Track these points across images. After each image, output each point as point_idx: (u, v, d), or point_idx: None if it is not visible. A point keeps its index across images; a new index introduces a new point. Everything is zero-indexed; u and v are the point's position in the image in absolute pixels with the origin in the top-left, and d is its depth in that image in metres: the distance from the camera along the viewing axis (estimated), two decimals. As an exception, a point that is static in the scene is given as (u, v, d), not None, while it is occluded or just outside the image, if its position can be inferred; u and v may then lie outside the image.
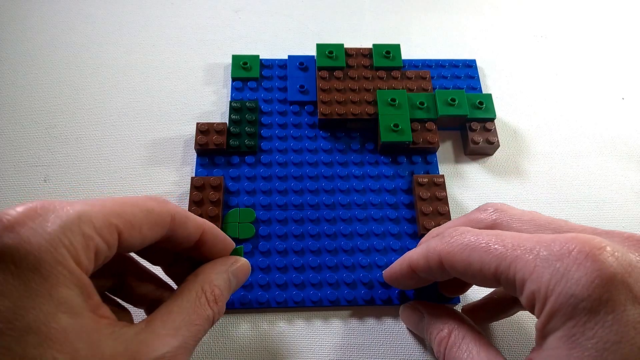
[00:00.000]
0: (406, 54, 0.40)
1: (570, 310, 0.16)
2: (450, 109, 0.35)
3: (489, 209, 0.24)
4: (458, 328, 0.23)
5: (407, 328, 0.29)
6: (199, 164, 0.34)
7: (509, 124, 0.38)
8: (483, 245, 0.20)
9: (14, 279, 0.15)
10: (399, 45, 0.38)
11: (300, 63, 0.38)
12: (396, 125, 0.34)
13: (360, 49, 0.38)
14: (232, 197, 0.33)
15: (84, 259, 0.17)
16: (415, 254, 0.24)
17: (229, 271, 0.23)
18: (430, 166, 0.35)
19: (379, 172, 0.34)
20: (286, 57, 0.39)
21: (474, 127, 0.35)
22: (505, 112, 0.38)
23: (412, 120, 0.35)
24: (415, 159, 0.35)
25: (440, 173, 0.34)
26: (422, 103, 0.35)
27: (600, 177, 0.36)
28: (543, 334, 0.18)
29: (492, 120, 0.36)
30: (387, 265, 0.31)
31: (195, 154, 0.34)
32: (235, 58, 0.38)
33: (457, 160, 0.36)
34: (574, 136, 0.38)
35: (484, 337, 0.23)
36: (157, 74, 0.39)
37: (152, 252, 0.24)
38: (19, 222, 0.16)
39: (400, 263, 0.25)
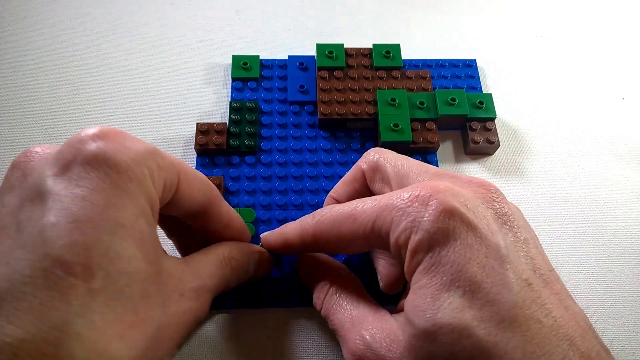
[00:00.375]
0: (406, 54, 0.40)
1: (427, 244, 0.19)
2: (451, 109, 0.35)
3: (372, 152, 0.26)
4: (341, 277, 0.25)
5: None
6: (199, 164, 0.34)
7: (509, 123, 0.38)
8: (348, 215, 0.22)
9: (106, 179, 0.17)
10: (399, 45, 0.38)
11: (300, 63, 0.38)
12: (396, 125, 0.34)
13: (360, 49, 0.38)
14: (232, 197, 0.33)
15: (157, 185, 0.19)
16: (291, 233, 0.25)
17: (252, 256, 0.26)
18: (431, 166, 0.35)
19: (379, 172, 0.34)
20: (286, 57, 0.39)
21: (474, 127, 0.35)
22: (506, 112, 0.38)
23: (412, 120, 0.35)
24: (416, 158, 0.35)
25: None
26: (422, 103, 0.35)
27: (600, 177, 0.36)
28: (409, 274, 0.20)
29: (492, 119, 0.36)
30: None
31: (195, 154, 0.34)
32: (235, 58, 0.38)
33: (457, 160, 0.36)
34: (574, 136, 0.38)
35: (362, 288, 0.25)
36: (157, 74, 0.39)
37: (178, 223, 0.25)
38: (108, 134, 0.18)
39: (275, 234, 0.27)
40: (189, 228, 0.25)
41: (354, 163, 0.34)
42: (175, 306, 0.19)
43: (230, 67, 0.38)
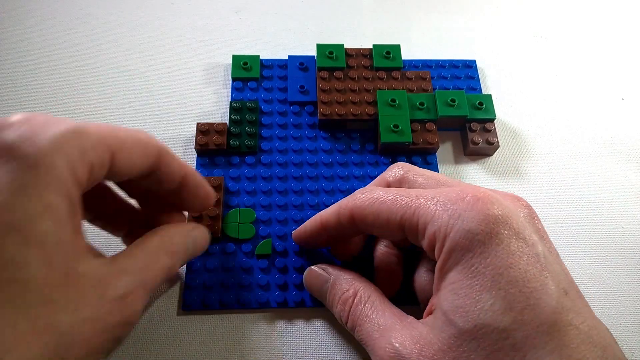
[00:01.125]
0: (406, 55, 0.40)
1: (468, 243, 0.19)
2: (450, 110, 0.35)
3: (398, 166, 0.26)
4: (364, 289, 0.24)
5: (310, 293, 0.29)
6: (199, 164, 0.34)
7: (508, 124, 0.38)
8: (390, 198, 0.22)
9: (8, 174, 0.15)
10: (399, 45, 0.38)
11: (300, 63, 0.38)
12: (396, 126, 0.34)
13: (360, 49, 0.38)
14: (232, 198, 0.33)
15: (80, 172, 0.17)
16: (327, 213, 0.26)
17: (188, 234, 0.25)
18: (430, 167, 0.35)
19: (379, 172, 0.34)
20: (286, 57, 0.39)
21: (473, 128, 0.36)
22: (505, 113, 0.38)
23: (412, 121, 0.35)
24: (415, 159, 0.35)
25: (440, 174, 0.34)
26: (422, 103, 0.35)
27: (600, 178, 0.36)
28: (443, 272, 0.20)
29: (492, 120, 0.36)
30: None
31: (196, 154, 0.34)
32: (235, 58, 0.38)
33: (457, 160, 0.36)
34: (574, 137, 0.38)
35: (384, 296, 0.24)
36: (157, 74, 0.39)
37: (132, 186, 0.24)
38: (19, 122, 0.16)
39: (311, 221, 0.27)
40: (150, 193, 0.24)
41: (354, 164, 0.34)
42: (91, 310, 0.17)
43: (231, 67, 0.38)
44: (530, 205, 0.23)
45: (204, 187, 0.25)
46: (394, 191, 0.23)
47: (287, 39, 0.41)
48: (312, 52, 0.39)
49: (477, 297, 0.18)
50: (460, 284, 0.19)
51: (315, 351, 0.29)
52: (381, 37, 0.42)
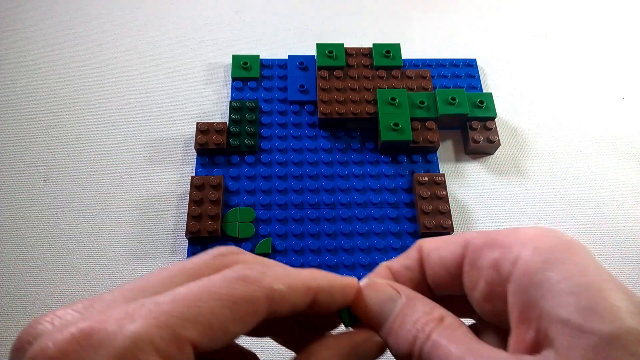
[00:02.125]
0: (406, 54, 0.40)
1: (564, 243, 0.17)
2: (451, 108, 0.35)
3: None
4: (453, 316, 0.19)
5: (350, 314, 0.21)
6: (199, 164, 0.34)
7: (509, 123, 0.38)
8: (457, 236, 0.19)
9: None
10: (399, 44, 0.38)
11: (300, 63, 0.38)
12: (396, 125, 0.34)
13: (360, 48, 0.38)
14: (232, 197, 0.33)
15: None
16: (395, 260, 0.21)
17: (357, 346, 0.19)
18: (431, 165, 0.35)
19: (379, 171, 0.34)
20: (286, 57, 0.39)
21: (474, 126, 0.35)
22: (506, 111, 0.38)
23: (413, 119, 0.35)
24: (416, 157, 0.35)
25: (440, 172, 0.34)
26: (422, 102, 0.35)
27: (601, 177, 0.36)
28: (533, 273, 0.16)
29: (492, 119, 0.36)
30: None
31: (195, 154, 0.34)
32: (235, 58, 0.38)
33: (458, 159, 0.36)
34: (575, 135, 0.38)
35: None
36: (157, 74, 0.39)
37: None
38: (65, 354, 0.13)
39: (372, 274, 0.21)
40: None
41: (354, 162, 0.34)
42: None
43: (230, 66, 0.38)
44: None
45: (341, 290, 0.19)
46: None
47: (287, 39, 0.41)
48: (312, 51, 0.39)
49: (603, 295, 0.15)
50: (573, 281, 0.16)
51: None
52: (381, 36, 0.42)
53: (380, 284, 0.20)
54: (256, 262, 0.17)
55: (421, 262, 0.20)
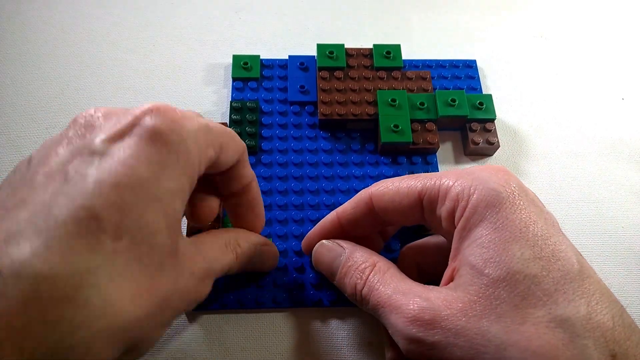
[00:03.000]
0: (406, 54, 0.40)
1: (493, 200, 0.20)
2: (451, 110, 0.35)
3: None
4: (383, 261, 0.24)
5: (315, 269, 0.28)
6: (200, 164, 0.34)
7: (509, 124, 0.38)
8: (411, 176, 0.24)
9: (155, 155, 0.18)
10: (399, 45, 0.38)
11: (300, 63, 0.38)
12: (396, 126, 0.34)
13: (360, 49, 0.38)
14: (233, 198, 0.33)
15: (202, 163, 0.20)
16: (343, 206, 0.27)
17: (256, 245, 0.26)
18: (431, 167, 0.35)
19: (379, 172, 0.34)
20: (287, 57, 0.39)
21: (474, 128, 0.36)
22: (506, 113, 0.38)
23: (412, 121, 0.35)
24: (416, 159, 0.35)
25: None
26: (422, 103, 0.35)
27: (600, 178, 0.36)
28: (466, 231, 0.21)
29: (492, 120, 0.36)
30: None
31: (196, 154, 0.34)
32: (235, 58, 0.38)
33: (457, 160, 0.36)
34: (574, 136, 0.38)
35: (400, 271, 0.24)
36: (157, 74, 0.39)
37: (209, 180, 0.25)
38: (165, 111, 0.19)
39: (324, 220, 0.27)
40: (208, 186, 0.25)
41: (354, 164, 0.34)
42: (184, 282, 0.20)
43: (231, 67, 0.38)
44: None
45: (260, 204, 0.26)
46: (413, 174, 0.24)
47: (287, 39, 0.41)
48: (313, 52, 0.39)
49: (506, 248, 0.19)
50: (487, 237, 0.20)
51: (315, 351, 0.29)
52: (381, 37, 0.42)
53: (326, 244, 0.27)
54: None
55: (370, 209, 0.25)
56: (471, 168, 0.23)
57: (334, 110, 0.35)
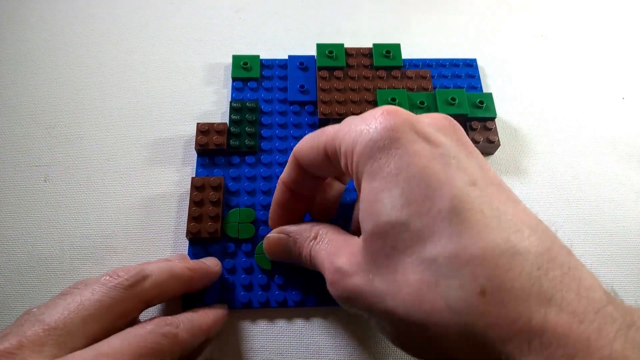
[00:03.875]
0: (406, 54, 0.40)
1: (369, 151, 0.20)
2: (451, 108, 0.35)
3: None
4: (323, 228, 0.25)
5: (276, 261, 0.30)
6: (199, 164, 0.34)
7: (509, 123, 0.38)
8: (319, 131, 0.24)
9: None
10: (399, 44, 0.38)
11: (300, 63, 0.38)
12: (396, 125, 0.34)
13: (360, 48, 0.38)
14: (233, 197, 0.33)
15: None
16: (284, 171, 0.27)
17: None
18: (431, 166, 0.35)
19: (380, 171, 0.34)
20: (286, 57, 0.39)
21: (474, 126, 0.35)
22: (506, 112, 0.38)
23: (413, 120, 0.35)
24: (416, 158, 0.35)
25: None
26: (422, 102, 0.35)
27: (600, 177, 0.36)
28: (358, 183, 0.21)
29: (492, 119, 0.36)
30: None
31: (196, 154, 0.34)
32: (235, 58, 0.38)
33: (458, 159, 0.36)
34: (575, 136, 0.38)
35: (337, 227, 0.25)
36: (157, 74, 0.39)
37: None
38: None
39: (275, 193, 0.28)
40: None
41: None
42: None
43: (231, 67, 0.38)
44: (456, 123, 0.22)
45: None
46: (326, 127, 0.24)
47: (287, 39, 0.41)
48: (312, 51, 0.39)
49: (377, 198, 0.19)
50: (364, 191, 0.20)
51: (315, 351, 0.29)
52: (381, 36, 0.42)
53: (273, 237, 0.28)
54: (164, 287, 0.24)
55: (300, 166, 0.26)
56: (365, 114, 0.21)
57: (334, 110, 0.35)
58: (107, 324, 0.21)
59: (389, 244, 0.19)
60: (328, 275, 0.23)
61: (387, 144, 0.19)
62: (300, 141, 0.25)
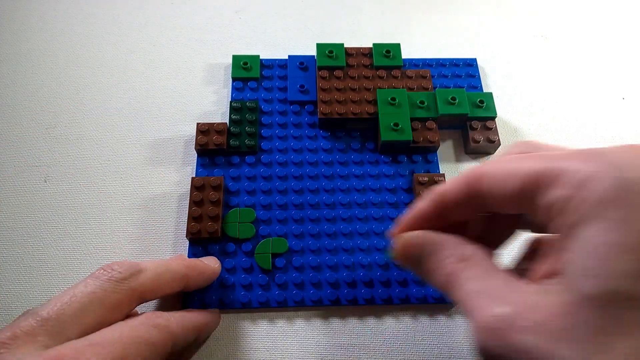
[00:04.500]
0: (406, 53, 0.40)
1: (619, 192, 0.16)
2: (451, 108, 0.35)
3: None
4: (478, 251, 0.21)
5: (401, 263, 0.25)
6: (200, 164, 0.34)
7: (509, 122, 0.38)
8: (521, 158, 0.19)
9: None
10: (399, 44, 0.38)
11: (300, 63, 0.38)
12: (396, 125, 0.34)
13: (360, 48, 0.38)
14: (233, 197, 0.33)
15: None
16: (446, 184, 0.22)
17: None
18: (431, 165, 0.35)
19: (380, 171, 0.34)
20: (286, 57, 0.39)
21: (474, 126, 0.35)
22: (506, 111, 0.38)
23: (413, 119, 0.35)
24: (416, 158, 0.35)
25: (441, 172, 0.34)
26: (422, 102, 0.35)
27: (601, 176, 0.36)
28: (573, 228, 0.17)
29: (492, 119, 0.36)
30: (388, 265, 0.31)
31: (196, 154, 0.34)
32: (235, 58, 0.38)
33: (458, 159, 0.36)
34: (574, 136, 0.38)
35: (491, 260, 0.21)
36: (157, 74, 0.39)
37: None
38: None
39: (423, 202, 0.23)
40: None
41: (354, 162, 0.34)
42: None
43: (231, 67, 0.38)
44: None
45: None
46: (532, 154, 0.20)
47: (287, 39, 0.41)
48: (312, 51, 0.39)
49: (615, 258, 0.15)
50: (596, 240, 0.16)
51: (315, 351, 0.29)
52: (381, 36, 0.42)
53: (411, 238, 0.23)
54: (159, 282, 0.24)
55: (473, 189, 0.21)
56: (602, 148, 0.18)
57: (334, 110, 0.35)
58: (100, 316, 0.21)
59: (607, 316, 0.15)
60: (479, 320, 0.18)
61: (636, 197, 0.15)
62: (486, 163, 0.21)
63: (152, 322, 0.22)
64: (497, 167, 0.20)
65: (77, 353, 0.19)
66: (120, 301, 0.22)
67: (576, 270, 0.16)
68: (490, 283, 0.19)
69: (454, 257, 0.21)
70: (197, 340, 0.26)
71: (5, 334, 0.19)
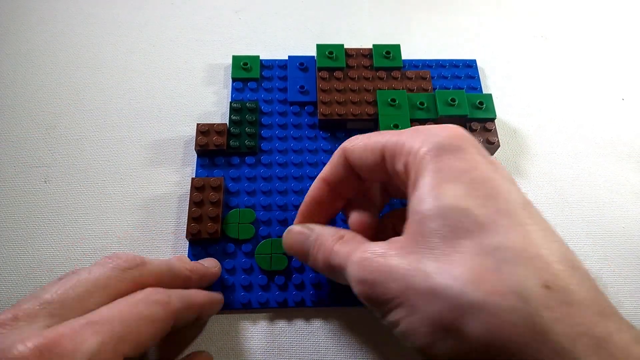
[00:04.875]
0: (406, 54, 0.40)
1: (436, 151, 0.21)
2: (451, 109, 0.35)
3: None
4: (350, 233, 0.25)
5: (287, 254, 0.30)
6: (199, 165, 0.34)
7: (509, 124, 0.38)
8: (377, 133, 0.25)
9: None
10: (399, 45, 0.38)
11: (300, 63, 0.38)
12: (396, 126, 0.34)
13: (360, 49, 0.38)
14: (232, 198, 0.33)
15: None
16: (325, 167, 0.27)
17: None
18: (431, 166, 0.35)
19: (379, 172, 0.34)
20: (286, 58, 0.39)
21: (474, 127, 0.35)
22: (505, 113, 0.38)
23: (412, 121, 0.35)
24: (416, 159, 0.35)
25: None
26: (422, 103, 0.35)
27: (600, 178, 0.36)
28: (416, 178, 0.21)
29: (492, 120, 0.36)
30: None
31: (196, 155, 0.34)
32: (235, 59, 0.38)
33: (457, 160, 0.36)
34: (574, 136, 0.38)
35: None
36: (157, 74, 0.39)
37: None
38: None
39: (310, 189, 0.27)
40: None
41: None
42: None
43: (231, 67, 0.38)
44: None
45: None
46: (386, 131, 0.25)
47: (287, 39, 0.41)
48: (312, 52, 0.39)
49: (441, 186, 0.20)
50: (426, 181, 0.21)
51: (315, 351, 0.29)
52: (381, 37, 0.42)
53: (295, 229, 0.27)
54: (161, 278, 0.24)
55: (347, 164, 0.26)
56: (428, 126, 0.23)
57: (334, 110, 0.35)
58: (102, 303, 0.21)
59: (447, 225, 0.19)
60: (355, 259, 0.22)
61: (453, 149, 0.21)
62: (349, 140, 0.26)
63: (152, 298, 0.21)
64: (357, 143, 0.25)
65: (75, 332, 0.18)
66: (123, 290, 0.22)
67: (417, 200, 0.21)
68: (363, 244, 0.23)
69: (333, 238, 0.25)
70: (199, 319, 0.26)
71: (7, 315, 0.19)
